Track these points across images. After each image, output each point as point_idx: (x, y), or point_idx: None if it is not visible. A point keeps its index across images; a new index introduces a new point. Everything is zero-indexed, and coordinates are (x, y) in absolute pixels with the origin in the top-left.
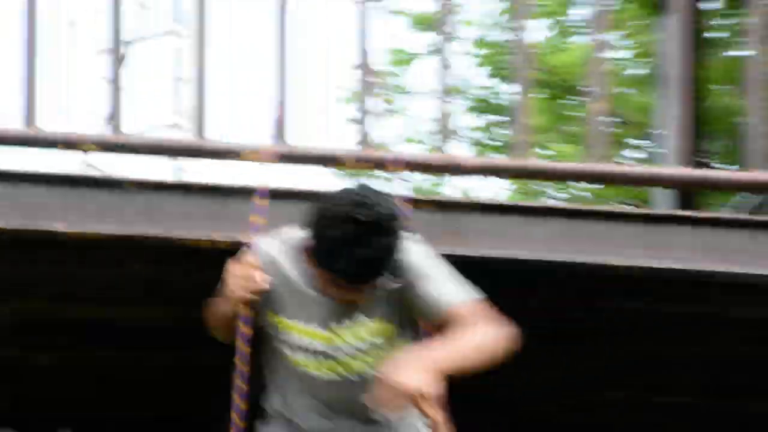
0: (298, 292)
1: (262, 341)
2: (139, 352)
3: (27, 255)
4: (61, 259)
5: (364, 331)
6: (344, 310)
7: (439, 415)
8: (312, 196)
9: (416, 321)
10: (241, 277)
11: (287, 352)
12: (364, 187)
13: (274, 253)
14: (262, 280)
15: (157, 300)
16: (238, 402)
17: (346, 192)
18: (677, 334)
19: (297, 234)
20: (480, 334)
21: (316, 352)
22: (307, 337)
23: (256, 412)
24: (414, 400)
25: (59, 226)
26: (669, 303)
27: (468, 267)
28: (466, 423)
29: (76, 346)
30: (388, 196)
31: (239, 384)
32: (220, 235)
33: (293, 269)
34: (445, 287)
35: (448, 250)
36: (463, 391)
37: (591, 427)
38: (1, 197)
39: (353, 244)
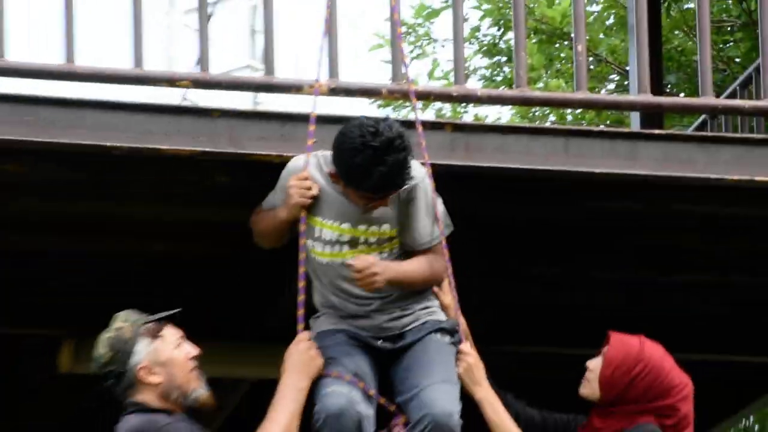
0: (330, 198)
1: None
2: (225, 248)
3: (135, 170)
4: (163, 173)
5: (382, 226)
6: (368, 212)
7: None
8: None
9: None
10: (299, 187)
11: (320, 248)
12: (371, 118)
13: (312, 167)
14: (314, 188)
15: (235, 204)
16: (300, 300)
17: (357, 124)
18: (639, 226)
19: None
20: (430, 269)
21: (342, 243)
22: (337, 232)
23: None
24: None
25: (163, 146)
26: (634, 202)
27: (478, 177)
28: None
29: (188, 242)
30: (392, 120)
31: (300, 285)
32: (285, 152)
33: (326, 180)
34: (424, 225)
35: (463, 163)
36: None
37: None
38: (117, 123)
39: (373, 165)
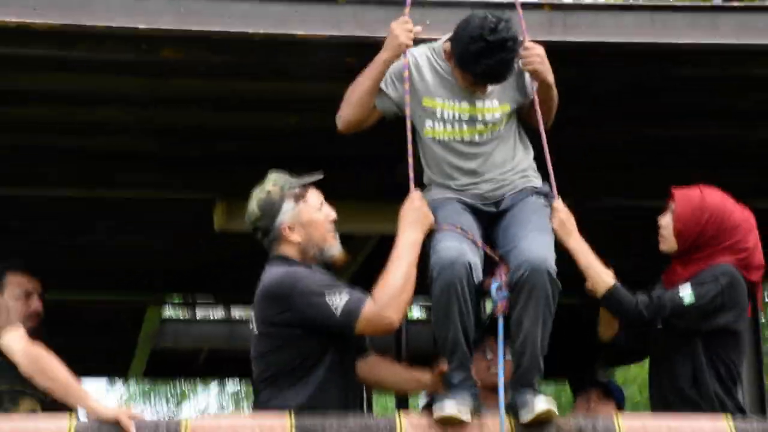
0: (445, 81)
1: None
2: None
3: (272, 54)
4: (297, 55)
5: (495, 102)
6: (476, 95)
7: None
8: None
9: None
10: (403, 29)
11: (441, 128)
12: (495, 15)
13: (428, 53)
14: (416, 29)
15: (346, 75)
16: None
17: (482, 16)
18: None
19: (444, 41)
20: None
21: (458, 121)
22: (450, 110)
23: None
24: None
25: (297, 32)
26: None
27: (573, 53)
28: None
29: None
30: (512, 23)
31: (410, 161)
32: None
33: (441, 64)
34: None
35: (561, 39)
36: None
37: None
38: (253, 13)
39: (482, 56)
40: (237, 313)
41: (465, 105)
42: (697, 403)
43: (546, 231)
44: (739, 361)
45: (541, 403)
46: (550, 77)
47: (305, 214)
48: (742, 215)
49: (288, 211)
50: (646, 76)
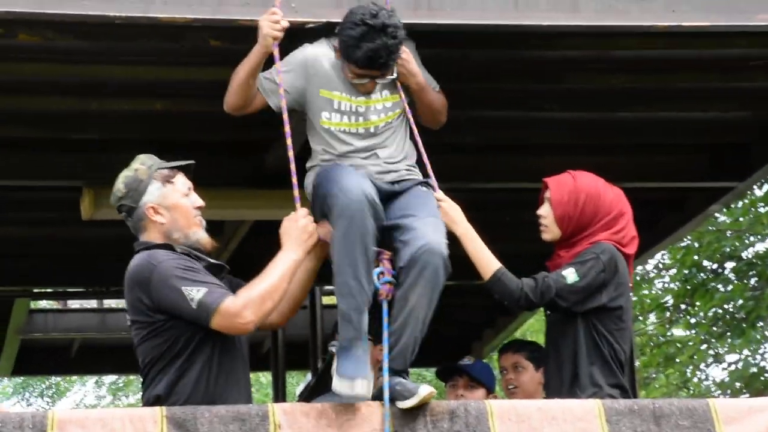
0: (339, 74)
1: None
2: (219, 107)
3: (135, 38)
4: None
5: (382, 98)
6: (367, 88)
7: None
8: None
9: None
10: (269, 21)
11: (338, 119)
12: (377, 5)
13: (328, 47)
14: (283, 21)
15: (227, 65)
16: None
17: (365, 5)
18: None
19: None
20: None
21: (353, 113)
22: (347, 102)
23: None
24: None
25: (160, 15)
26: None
27: (439, 35)
28: None
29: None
30: (395, 14)
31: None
32: None
33: (336, 60)
34: (426, 75)
35: (428, 21)
36: None
37: None
38: None
39: (363, 41)
40: (109, 301)
41: (361, 98)
42: (576, 386)
43: (438, 215)
44: (624, 339)
45: (421, 390)
46: (419, 78)
47: (171, 197)
48: (614, 192)
49: (154, 192)
50: (511, 58)
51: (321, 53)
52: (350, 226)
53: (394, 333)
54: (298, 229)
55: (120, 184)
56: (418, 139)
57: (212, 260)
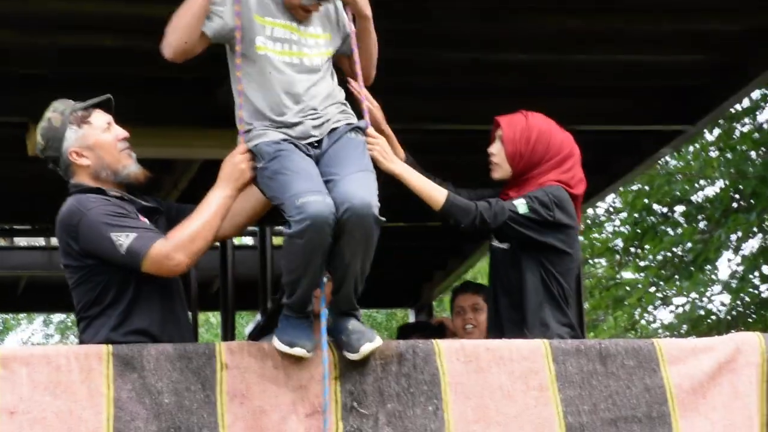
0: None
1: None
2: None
3: None
4: None
5: (316, 33)
6: (301, 16)
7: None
8: None
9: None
10: None
11: (272, 46)
12: None
13: None
14: None
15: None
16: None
17: None
18: None
19: None
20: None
21: (287, 41)
22: (281, 28)
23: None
24: None
25: None
26: None
27: None
28: None
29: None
30: None
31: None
32: None
33: None
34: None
35: None
36: None
37: None
38: None
39: None
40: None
41: (294, 25)
42: (524, 325)
43: (368, 168)
44: (570, 278)
45: (363, 348)
46: (367, 10)
47: (91, 136)
48: (563, 133)
49: (71, 137)
50: None
51: None
52: (312, 239)
53: (335, 282)
54: (230, 166)
55: (38, 136)
56: (360, 78)
57: (145, 203)
